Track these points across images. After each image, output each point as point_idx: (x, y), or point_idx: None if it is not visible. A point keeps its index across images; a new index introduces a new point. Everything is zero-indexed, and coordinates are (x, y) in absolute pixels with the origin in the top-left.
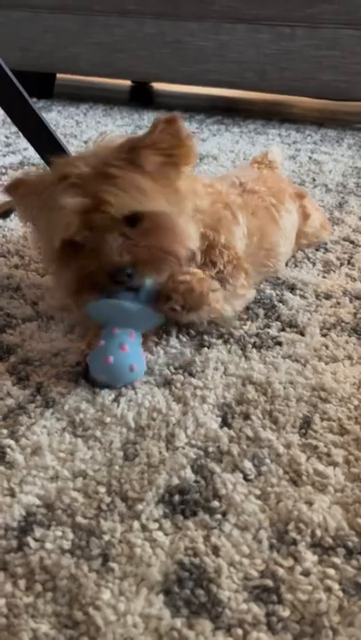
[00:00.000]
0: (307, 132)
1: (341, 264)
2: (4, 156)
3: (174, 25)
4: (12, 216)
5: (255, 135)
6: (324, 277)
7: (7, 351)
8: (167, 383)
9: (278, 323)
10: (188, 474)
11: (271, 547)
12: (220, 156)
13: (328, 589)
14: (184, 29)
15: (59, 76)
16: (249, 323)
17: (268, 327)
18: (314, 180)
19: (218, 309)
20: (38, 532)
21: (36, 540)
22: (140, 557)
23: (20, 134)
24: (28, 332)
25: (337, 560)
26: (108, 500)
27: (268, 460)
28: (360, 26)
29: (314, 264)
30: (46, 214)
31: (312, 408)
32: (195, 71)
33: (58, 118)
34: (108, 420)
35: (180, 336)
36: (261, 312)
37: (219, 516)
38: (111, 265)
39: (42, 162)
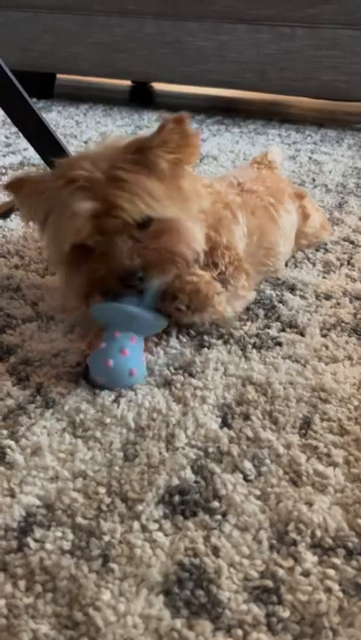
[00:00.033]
0: (307, 133)
1: (341, 264)
2: (4, 156)
3: (174, 25)
4: (13, 216)
5: (255, 135)
6: (324, 278)
7: (7, 352)
8: (167, 384)
9: (278, 323)
10: (188, 474)
11: (271, 547)
12: (220, 156)
13: (328, 590)
14: (184, 29)
15: (59, 76)
16: (249, 323)
17: (269, 328)
18: (314, 180)
19: (220, 311)
20: (38, 532)
21: (36, 540)
22: (140, 558)
23: (20, 134)
24: (28, 332)
25: (337, 561)
26: (108, 500)
27: (268, 461)
28: (360, 26)
29: (314, 264)
30: (55, 217)
31: (312, 408)
32: (195, 71)
33: (58, 118)
34: (108, 420)
35: (180, 336)
36: (261, 312)
37: (219, 517)
38: (122, 269)
39: (42, 162)
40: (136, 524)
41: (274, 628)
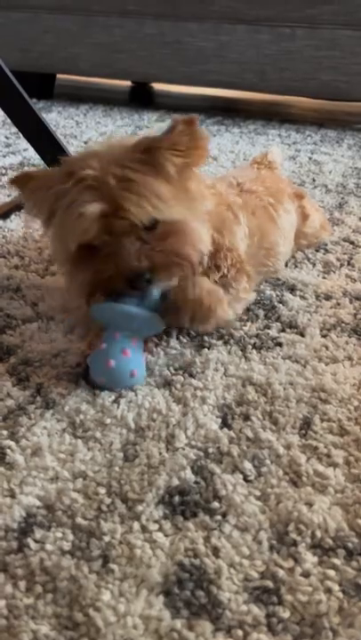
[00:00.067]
0: (307, 133)
1: (341, 265)
2: (4, 156)
3: (174, 25)
4: (13, 217)
5: (255, 136)
6: (324, 278)
7: (7, 352)
8: (167, 384)
9: (278, 323)
10: (188, 475)
11: (271, 548)
12: (220, 156)
13: (328, 590)
14: (184, 30)
15: (59, 76)
16: (249, 324)
17: (269, 328)
18: (314, 180)
19: (223, 317)
20: (38, 533)
21: (36, 541)
22: (140, 558)
23: (20, 135)
24: (28, 332)
25: (337, 561)
26: (108, 501)
27: (268, 461)
28: (360, 26)
29: (314, 265)
30: (61, 216)
31: (312, 409)
32: (194, 72)
33: (58, 119)
34: (108, 421)
35: (181, 337)
36: (261, 313)
37: (219, 517)
38: (130, 270)
39: (42, 162)
40: (136, 525)
41: (274, 628)
